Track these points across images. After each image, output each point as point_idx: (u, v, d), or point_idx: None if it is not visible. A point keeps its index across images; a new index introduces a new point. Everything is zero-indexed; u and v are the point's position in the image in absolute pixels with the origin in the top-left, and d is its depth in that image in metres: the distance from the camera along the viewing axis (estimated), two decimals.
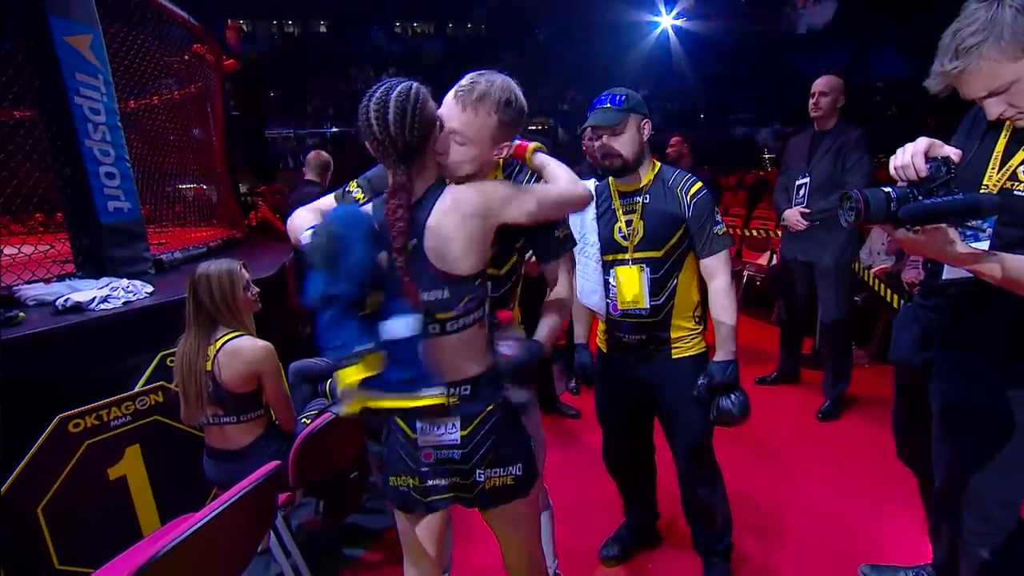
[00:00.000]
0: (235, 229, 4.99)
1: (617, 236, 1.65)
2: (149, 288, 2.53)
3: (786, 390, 3.33)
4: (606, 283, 1.67)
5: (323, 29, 19.97)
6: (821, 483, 2.40)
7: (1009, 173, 1.14)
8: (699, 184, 1.62)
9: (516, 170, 1.61)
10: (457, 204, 1.10)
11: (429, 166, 1.13)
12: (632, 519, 2.03)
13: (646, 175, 1.65)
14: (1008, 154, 1.16)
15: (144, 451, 1.90)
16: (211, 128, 5.19)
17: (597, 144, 1.64)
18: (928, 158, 1.01)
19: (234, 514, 1.39)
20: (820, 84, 2.83)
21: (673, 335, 1.66)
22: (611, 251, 1.66)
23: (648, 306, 1.62)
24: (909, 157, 1.02)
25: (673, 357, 1.66)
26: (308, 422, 1.93)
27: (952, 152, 1.03)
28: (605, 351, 1.78)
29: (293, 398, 2.48)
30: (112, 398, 1.84)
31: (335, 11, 18.56)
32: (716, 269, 1.61)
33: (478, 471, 1.15)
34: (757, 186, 7.57)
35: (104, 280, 2.51)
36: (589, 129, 3.88)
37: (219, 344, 1.72)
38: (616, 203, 1.67)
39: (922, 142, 1.03)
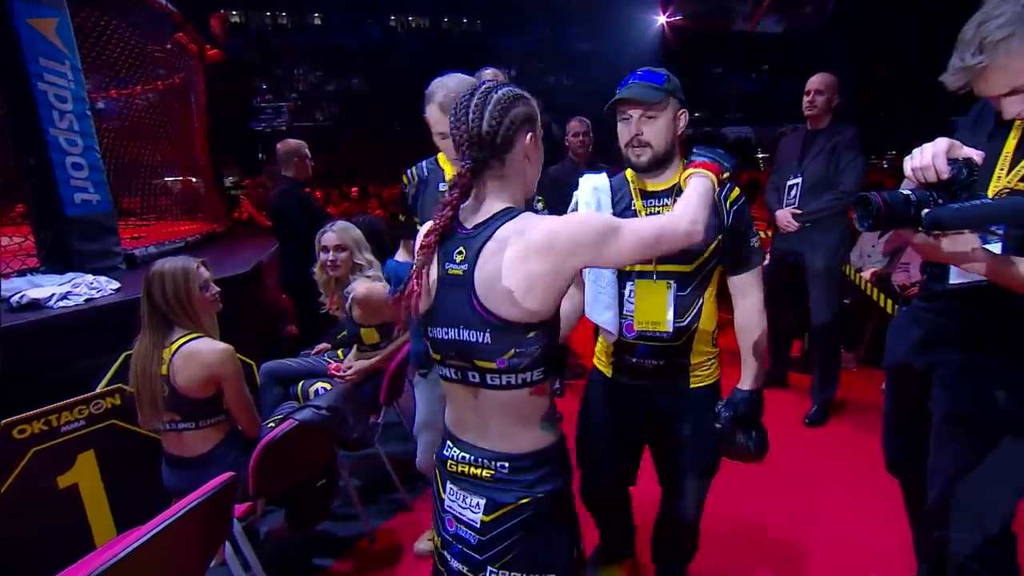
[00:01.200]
0: (217, 223, 4.89)
1: None
2: (115, 284, 2.44)
3: (773, 394, 3.22)
4: (620, 298, 1.41)
5: (317, 22, 19.77)
6: (804, 491, 2.34)
7: (1021, 175, 1.09)
8: (738, 190, 1.39)
9: None
10: (526, 234, 0.91)
11: (506, 178, 0.97)
12: (607, 544, 1.89)
13: (675, 174, 1.39)
14: (1019, 155, 1.11)
15: (99, 457, 1.81)
16: (194, 119, 5.07)
17: (623, 127, 1.37)
18: (949, 159, 0.96)
19: (184, 527, 1.31)
20: (815, 82, 2.75)
21: (693, 361, 1.44)
22: None
23: (672, 329, 1.37)
24: (929, 158, 0.96)
25: (691, 387, 1.45)
26: (274, 426, 1.84)
27: (974, 154, 0.98)
28: (609, 375, 1.52)
29: (264, 400, 2.40)
30: (62, 402, 1.74)
31: (329, 3, 18.36)
32: (750, 286, 1.40)
33: (490, 568, 0.98)
34: (749, 186, 7.53)
35: (68, 276, 2.42)
36: (576, 121, 3.70)
37: (175, 347, 1.63)
38: (638, 203, 1.42)
39: (942, 143, 0.97)
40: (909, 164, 0.99)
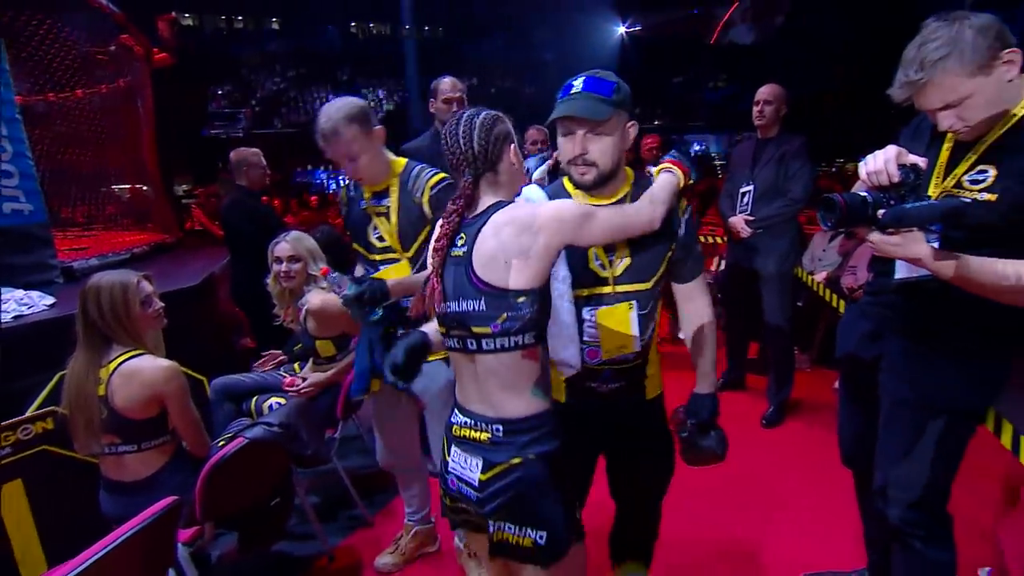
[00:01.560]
0: (167, 234, 4.68)
1: (593, 265, 1.29)
2: (49, 300, 2.30)
3: (732, 396, 3.33)
4: (580, 325, 1.32)
5: (275, 26, 19.28)
6: (762, 489, 2.40)
7: (955, 182, 1.21)
8: (685, 200, 1.34)
9: (414, 174, 1.77)
10: (518, 216, 1.08)
11: (500, 184, 1.15)
12: None
13: (622, 187, 1.31)
14: (952, 164, 1.23)
15: (28, 487, 1.68)
16: (141, 124, 4.85)
17: (565, 143, 1.25)
18: (898, 165, 1.07)
19: (122, 556, 1.23)
20: (764, 93, 2.85)
21: (648, 372, 1.41)
22: (586, 284, 1.30)
23: (639, 348, 1.32)
24: (882, 163, 1.07)
25: (648, 399, 1.42)
26: (224, 445, 1.76)
27: (920, 160, 1.09)
28: (563, 400, 1.40)
29: (215, 416, 2.30)
30: None
31: (287, 8, 17.93)
32: (699, 291, 1.38)
33: (490, 521, 1.10)
34: (707, 193, 7.72)
35: None
36: (535, 130, 3.69)
37: (113, 365, 1.53)
38: None
39: (892, 149, 1.09)
40: (864, 168, 1.10)
